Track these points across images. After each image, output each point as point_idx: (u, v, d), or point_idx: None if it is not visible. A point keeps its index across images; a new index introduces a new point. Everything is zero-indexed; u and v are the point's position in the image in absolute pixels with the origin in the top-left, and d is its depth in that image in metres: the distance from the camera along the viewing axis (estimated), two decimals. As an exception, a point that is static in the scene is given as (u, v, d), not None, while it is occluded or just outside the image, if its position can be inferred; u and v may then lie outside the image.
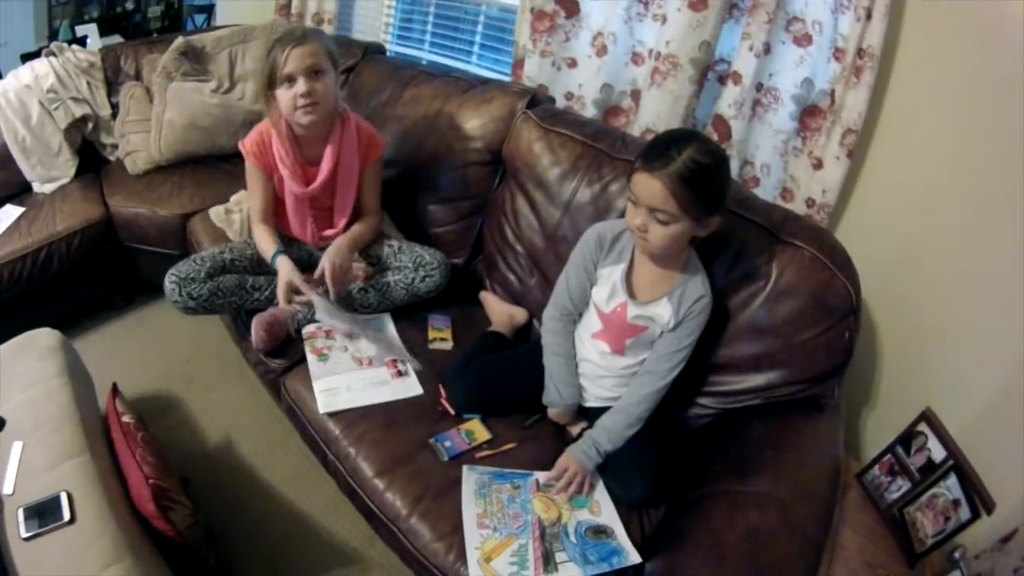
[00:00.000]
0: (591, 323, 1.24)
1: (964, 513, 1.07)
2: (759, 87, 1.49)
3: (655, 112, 1.59)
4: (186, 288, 1.34)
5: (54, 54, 2.06)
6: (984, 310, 1.22)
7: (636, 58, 1.67)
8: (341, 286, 1.39)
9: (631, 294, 1.17)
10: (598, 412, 1.22)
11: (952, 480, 1.10)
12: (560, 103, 1.78)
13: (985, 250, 1.21)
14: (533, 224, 1.53)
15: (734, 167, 1.54)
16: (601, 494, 1.15)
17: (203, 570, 1.18)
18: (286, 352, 1.41)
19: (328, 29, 2.34)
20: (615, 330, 1.20)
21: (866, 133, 1.35)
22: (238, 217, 1.73)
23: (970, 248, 1.24)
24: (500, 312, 1.54)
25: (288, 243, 1.53)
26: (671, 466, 1.16)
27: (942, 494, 1.12)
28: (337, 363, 1.35)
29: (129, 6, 3.12)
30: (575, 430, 1.27)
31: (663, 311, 1.15)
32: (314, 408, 1.27)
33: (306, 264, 1.54)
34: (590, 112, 1.76)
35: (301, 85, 1.28)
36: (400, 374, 1.34)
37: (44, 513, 0.98)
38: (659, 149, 1.02)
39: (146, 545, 1.04)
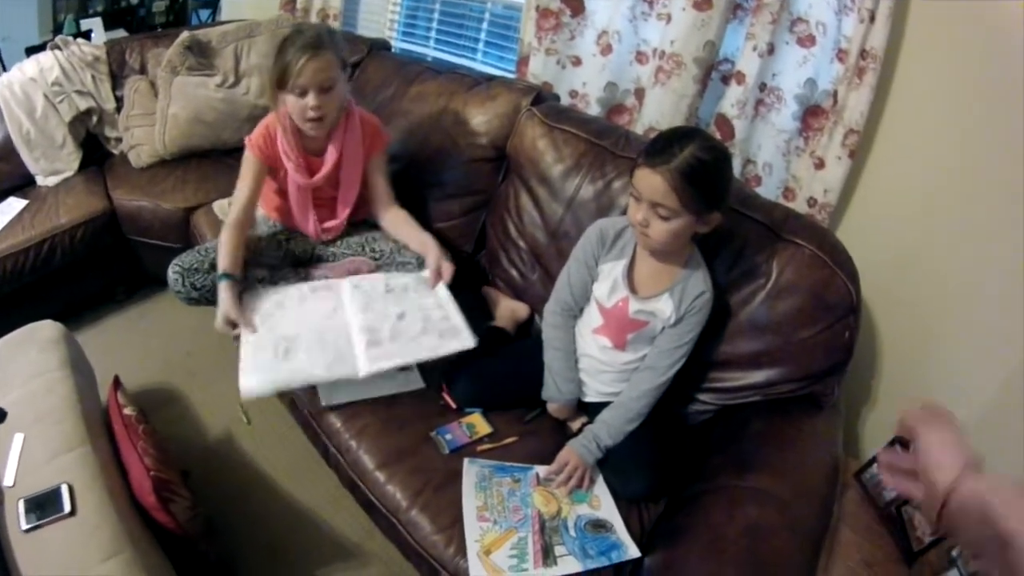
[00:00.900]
0: (592, 318, 1.24)
1: (963, 512, 1.07)
2: (762, 87, 1.50)
3: (658, 111, 1.60)
4: (189, 279, 1.35)
5: (59, 47, 2.07)
6: (984, 310, 1.22)
7: (640, 57, 1.67)
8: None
9: (632, 289, 1.18)
10: (598, 407, 1.22)
11: (951, 479, 1.10)
12: (564, 101, 1.79)
13: (985, 250, 1.22)
14: (536, 220, 1.54)
15: (736, 166, 1.54)
16: (601, 489, 1.15)
17: (203, 562, 1.18)
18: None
19: (333, 25, 2.33)
20: (616, 325, 1.21)
21: (868, 134, 1.36)
22: (241, 211, 1.73)
23: (970, 248, 1.25)
24: (502, 307, 1.54)
25: (290, 236, 1.53)
26: (670, 462, 1.17)
27: (940, 493, 1.12)
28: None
29: (134, 0, 3.12)
30: (575, 425, 1.28)
31: (664, 307, 1.15)
32: (316, 401, 1.27)
33: (308, 259, 1.54)
34: (594, 110, 1.76)
35: (312, 99, 1.28)
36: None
37: (45, 505, 0.98)
38: (662, 145, 1.03)
39: (146, 537, 1.04)
